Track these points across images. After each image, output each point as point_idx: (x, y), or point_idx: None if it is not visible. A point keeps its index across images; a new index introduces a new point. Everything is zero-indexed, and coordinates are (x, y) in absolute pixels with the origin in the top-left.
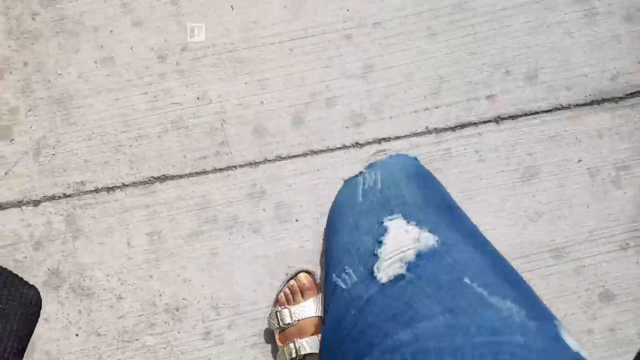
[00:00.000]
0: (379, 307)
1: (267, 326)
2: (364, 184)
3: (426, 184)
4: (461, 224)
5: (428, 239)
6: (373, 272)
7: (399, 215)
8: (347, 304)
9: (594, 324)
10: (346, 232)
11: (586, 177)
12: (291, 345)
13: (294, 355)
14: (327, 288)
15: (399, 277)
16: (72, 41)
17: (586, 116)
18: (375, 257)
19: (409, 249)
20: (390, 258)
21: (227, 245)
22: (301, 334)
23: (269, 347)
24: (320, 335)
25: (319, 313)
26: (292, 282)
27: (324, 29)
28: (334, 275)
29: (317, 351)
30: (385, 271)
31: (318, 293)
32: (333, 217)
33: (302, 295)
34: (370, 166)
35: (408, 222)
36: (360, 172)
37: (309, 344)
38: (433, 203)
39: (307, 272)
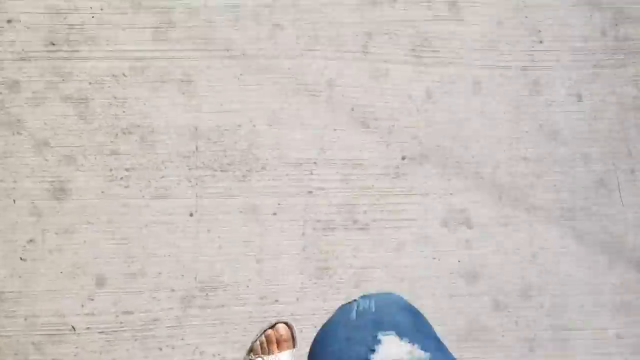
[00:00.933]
0: None
1: None
2: (358, 307)
3: (416, 316)
4: (448, 353)
5: (421, 354)
6: None
7: (392, 333)
8: None
9: None
10: (338, 344)
11: None
12: None
13: None
14: None
15: None
16: None
17: None
18: None
19: (403, 359)
20: None
21: None
22: None
23: None
24: None
25: None
26: (269, 331)
27: None
28: None
29: None
30: None
31: (294, 346)
32: (323, 334)
33: (278, 346)
34: (365, 296)
35: (401, 339)
36: (355, 300)
37: None
38: (423, 331)
39: (285, 323)
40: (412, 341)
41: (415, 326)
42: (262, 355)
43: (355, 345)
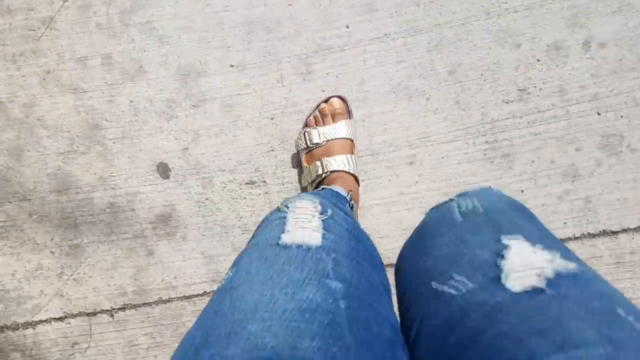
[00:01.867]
0: (515, 317)
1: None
2: (459, 207)
3: (533, 217)
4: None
5: (567, 263)
6: (500, 279)
7: (519, 237)
8: (463, 309)
9: None
10: (447, 246)
11: None
12: (318, 162)
13: (320, 172)
14: (421, 298)
15: (537, 291)
16: None
17: None
18: (498, 268)
19: (545, 268)
20: (522, 270)
21: None
22: (329, 154)
23: None
24: (349, 155)
25: (350, 136)
26: (323, 105)
27: None
28: (434, 283)
29: (344, 169)
30: (518, 281)
31: (350, 118)
32: (420, 240)
33: (333, 119)
34: (462, 195)
35: (534, 245)
36: (451, 199)
37: (337, 162)
38: (551, 236)
39: (340, 97)
40: (546, 248)
41: (541, 230)
42: (317, 127)
43: (475, 249)
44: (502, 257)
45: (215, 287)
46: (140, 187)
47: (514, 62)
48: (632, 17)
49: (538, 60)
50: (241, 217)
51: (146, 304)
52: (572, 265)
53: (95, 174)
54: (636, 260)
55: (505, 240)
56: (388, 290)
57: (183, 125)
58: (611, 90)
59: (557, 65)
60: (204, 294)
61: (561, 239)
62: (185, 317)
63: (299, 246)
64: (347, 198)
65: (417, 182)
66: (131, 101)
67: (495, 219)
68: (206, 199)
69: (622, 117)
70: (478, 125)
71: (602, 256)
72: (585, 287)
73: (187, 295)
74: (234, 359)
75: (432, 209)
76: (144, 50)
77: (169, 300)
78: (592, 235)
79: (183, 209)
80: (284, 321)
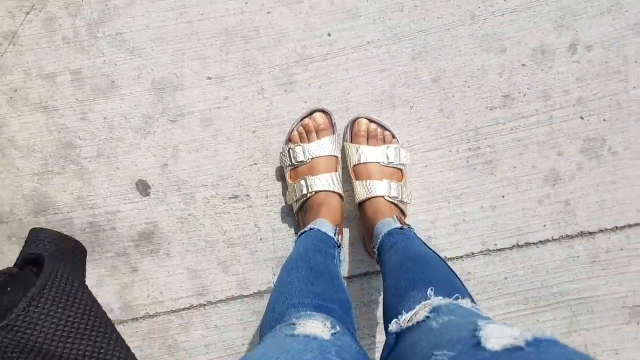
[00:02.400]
0: None
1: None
2: (436, 320)
3: None
4: None
5: (545, 332)
6: (480, 344)
7: (496, 321)
8: None
9: None
10: (427, 342)
11: None
12: (302, 182)
13: (304, 192)
14: None
15: (517, 348)
16: None
17: None
18: (477, 338)
19: (524, 333)
20: (501, 337)
21: None
22: (313, 172)
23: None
24: (334, 173)
25: (335, 153)
26: (307, 120)
27: None
28: None
29: (329, 188)
30: (498, 342)
31: (334, 133)
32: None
33: (317, 135)
34: (435, 309)
35: (511, 327)
36: (427, 316)
37: (322, 182)
38: None
39: (323, 111)
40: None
41: None
42: (301, 144)
43: (453, 333)
44: (480, 330)
45: (202, 301)
46: (120, 206)
47: (499, 67)
48: (621, 19)
49: (523, 66)
50: (225, 232)
51: (134, 319)
52: (549, 333)
53: (72, 194)
54: (611, 259)
55: (481, 322)
56: None
57: (161, 141)
58: (595, 94)
59: (542, 70)
60: (191, 307)
61: (540, 242)
62: (173, 331)
63: (306, 336)
64: (335, 239)
65: None
66: (105, 118)
67: (471, 318)
68: (189, 215)
69: (605, 120)
70: (462, 133)
71: (579, 256)
72: (564, 348)
73: (174, 309)
74: None
75: (407, 329)
76: (116, 64)
77: (156, 315)
78: (570, 237)
79: (166, 226)
80: None
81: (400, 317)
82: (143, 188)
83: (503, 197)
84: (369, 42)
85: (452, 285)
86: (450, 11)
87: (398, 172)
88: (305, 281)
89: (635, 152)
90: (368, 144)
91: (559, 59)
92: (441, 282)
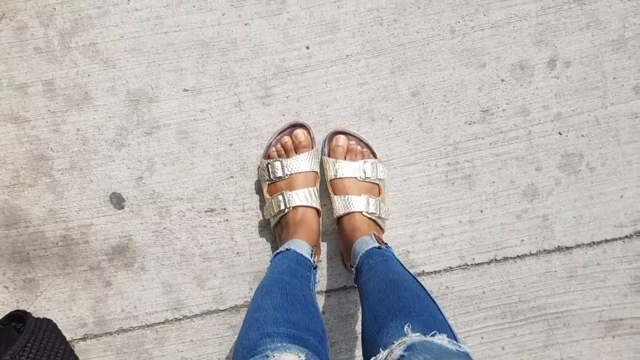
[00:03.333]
0: None
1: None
2: None
3: None
4: None
5: None
6: None
7: None
8: None
9: None
10: None
11: None
12: (280, 197)
13: (282, 207)
14: None
15: None
16: None
17: None
18: None
19: None
20: None
21: None
22: (291, 187)
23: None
24: (312, 188)
25: (313, 168)
26: (286, 138)
27: None
28: None
29: (306, 204)
30: None
31: (313, 147)
32: None
33: (296, 151)
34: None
35: None
36: (401, 355)
37: (299, 197)
38: None
39: (302, 125)
40: None
41: None
42: (280, 159)
43: None
44: None
45: (177, 315)
46: (94, 219)
47: (478, 82)
48: (599, 35)
49: (502, 80)
50: (201, 245)
51: (107, 333)
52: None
53: (44, 206)
54: (588, 274)
55: None
56: None
57: (136, 153)
58: (574, 110)
59: (521, 85)
60: (166, 321)
61: (518, 256)
62: (147, 345)
63: None
64: (311, 261)
65: None
66: (78, 130)
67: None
68: (164, 228)
69: (582, 136)
70: (440, 148)
71: (556, 271)
72: None
73: (148, 323)
74: None
75: None
76: (89, 75)
77: (130, 329)
78: (547, 252)
79: (140, 239)
80: None
81: (378, 355)
82: (117, 201)
83: (481, 211)
84: (347, 56)
85: (430, 315)
86: (429, 25)
87: (375, 187)
88: (280, 308)
89: (613, 168)
90: (345, 158)
91: (537, 74)
92: (419, 312)
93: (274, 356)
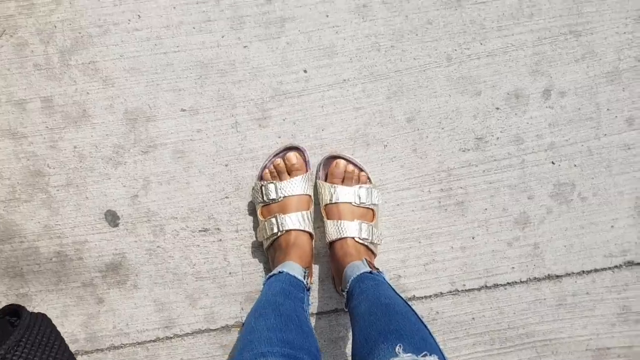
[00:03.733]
0: None
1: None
2: None
3: None
4: None
5: None
6: None
7: None
8: None
9: None
10: None
11: None
12: (273, 220)
13: (275, 230)
14: None
15: None
16: None
17: None
18: None
19: None
20: None
21: None
22: (285, 210)
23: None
24: (305, 212)
25: (307, 192)
26: (278, 160)
27: None
28: None
29: (299, 227)
30: None
31: (307, 171)
32: None
33: (290, 174)
34: None
35: None
36: None
37: (292, 220)
38: None
39: (297, 149)
40: None
41: None
42: (274, 182)
43: None
44: None
45: (168, 334)
46: (88, 236)
47: (473, 110)
48: (595, 66)
49: (497, 109)
50: (194, 265)
51: (98, 350)
52: None
53: (39, 222)
54: (577, 302)
55: None
56: None
57: (132, 171)
58: (567, 140)
59: (515, 114)
60: (157, 340)
61: (508, 283)
62: None
63: None
64: (304, 283)
65: None
66: (75, 147)
67: None
68: (157, 246)
69: (575, 166)
70: (434, 174)
71: (545, 299)
72: None
73: (139, 341)
74: None
75: None
76: (88, 93)
77: (121, 347)
78: (537, 280)
79: (134, 257)
80: None
81: None
82: (112, 218)
83: (473, 238)
84: (344, 80)
85: (421, 338)
86: (426, 52)
87: (369, 212)
88: (274, 329)
89: (604, 198)
90: (342, 183)
91: (532, 104)
92: (410, 334)
93: None
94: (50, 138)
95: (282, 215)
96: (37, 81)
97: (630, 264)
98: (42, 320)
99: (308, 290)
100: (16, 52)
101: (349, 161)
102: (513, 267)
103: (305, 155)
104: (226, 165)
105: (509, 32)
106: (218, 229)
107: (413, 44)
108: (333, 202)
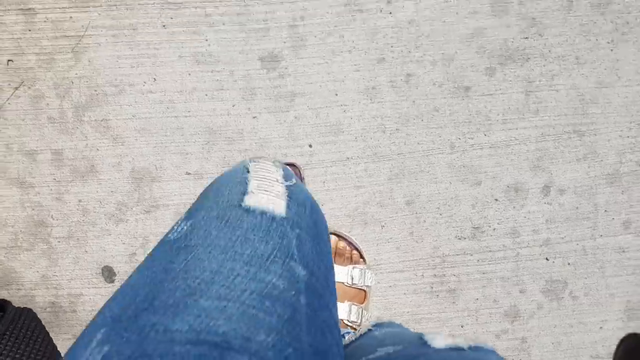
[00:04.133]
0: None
1: None
2: None
3: None
4: None
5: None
6: (426, 342)
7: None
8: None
9: None
10: None
11: None
12: None
13: None
14: None
15: (459, 349)
16: None
17: None
18: (421, 340)
19: (464, 341)
20: (444, 340)
21: None
22: None
23: None
24: None
25: None
26: None
27: None
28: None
29: None
30: (443, 341)
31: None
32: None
33: None
34: None
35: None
36: None
37: None
38: None
39: (292, 165)
40: None
41: None
42: None
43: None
44: (425, 335)
45: None
46: (84, 289)
47: (472, 199)
48: (596, 167)
49: (496, 200)
50: None
51: None
52: (490, 345)
53: (38, 271)
54: None
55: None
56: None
57: (132, 230)
58: (563, 237)
59: (514, 207)
60: None
61: None
62: None
63: (262, 213)
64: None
65: None
66: (80, 200)
67: (415, 332)
68: None
69: (569, 264)
70: (429, 258)
71: None
72: (502, 359)
73: None
74: (179, 336)
75: (350, 342)
76: (97, 149)
77: None
78: None
79: None
80: (241, 304)
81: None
82: (108, 274)
83: (462, 326)
84: (348, 158)
85: None
86: (430, 138)
87: (361, 293)
88: None
89: (595, 299)
90: (334, 262)
91: (531, 198)
92: None
93: (248, 169)
94: (56, 190)
95: None
96: (50, 133)
97: None
98: (27, 314)
99: None
100: (32, 104)
101: (343, 238)
102: None
103: (301, 172)
104: None
105: (514, 125)
106: None
107: (418, 128)
108: None
